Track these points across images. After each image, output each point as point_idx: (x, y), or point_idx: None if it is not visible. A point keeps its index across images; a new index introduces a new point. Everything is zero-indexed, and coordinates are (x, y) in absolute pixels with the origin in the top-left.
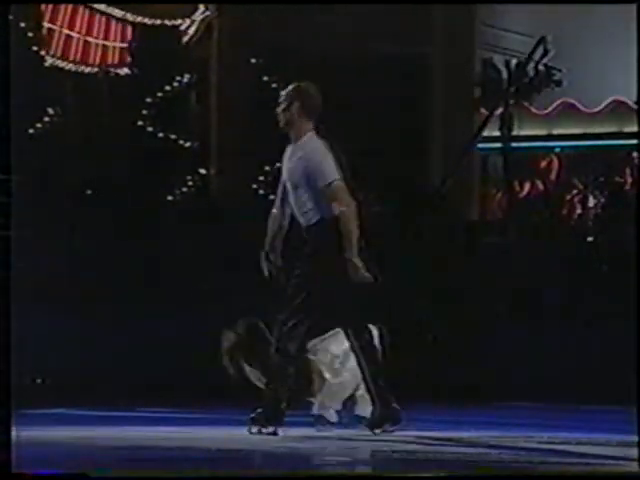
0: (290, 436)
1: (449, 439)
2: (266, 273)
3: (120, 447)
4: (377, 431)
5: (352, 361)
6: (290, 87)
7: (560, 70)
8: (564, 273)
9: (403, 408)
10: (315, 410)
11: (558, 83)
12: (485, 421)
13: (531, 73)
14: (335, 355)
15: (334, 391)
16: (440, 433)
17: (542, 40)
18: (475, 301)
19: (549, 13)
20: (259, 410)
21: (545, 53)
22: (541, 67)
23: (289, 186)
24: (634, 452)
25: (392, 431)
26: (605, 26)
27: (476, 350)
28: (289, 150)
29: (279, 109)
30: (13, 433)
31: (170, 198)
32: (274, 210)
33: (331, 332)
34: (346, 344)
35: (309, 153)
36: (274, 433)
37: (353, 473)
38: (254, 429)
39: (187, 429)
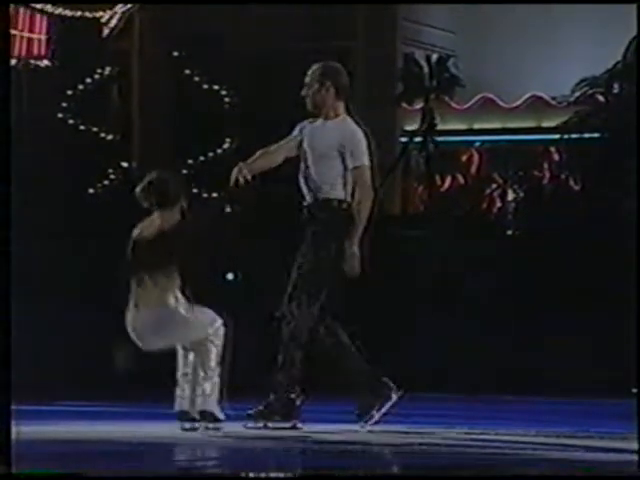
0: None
1: (444, 436)
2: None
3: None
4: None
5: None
6: (318, 67)
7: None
8: (485, 267)
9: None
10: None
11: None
12: (477, 416)
13: (452, 68)
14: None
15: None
16: (435, 428)
17: None
18: (396, 293)
19: (469, 9)
20: (267, 404)
21: None
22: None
23: (311, 158)
24: (633, 446)
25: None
26: (523, 22)
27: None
28: (318, 124)
29: (311, 90)
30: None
31: (92, 191)
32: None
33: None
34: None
35: (350, 132)
36: (294, 427)
37: (353, 473)
38: (257, 424)
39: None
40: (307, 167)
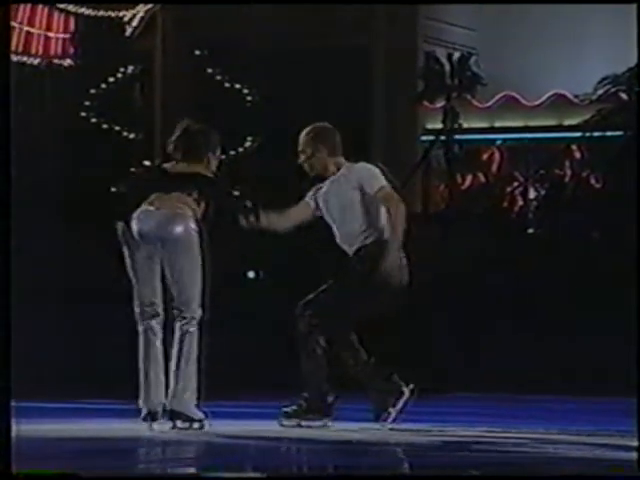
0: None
1: (442, 433)
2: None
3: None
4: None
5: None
6: (307, 132)
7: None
8: (505, 266)
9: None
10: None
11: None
12: (472, 412)
13: (473, 66)
14: None
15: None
16: (432, 425)
17: None
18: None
19: (490, 7)
20: (300, 402)
21: None
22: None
23: (336, 214)
24: (633, 443)
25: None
26: (545, 20)
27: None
28: (328, 185)
29: (304, 156)
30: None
31: (114, 190)
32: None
33: None
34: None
35: (358, 169)
36: (325, 426)
37: (375, 472)
38: (291, 422)
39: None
40: (345, 221)
